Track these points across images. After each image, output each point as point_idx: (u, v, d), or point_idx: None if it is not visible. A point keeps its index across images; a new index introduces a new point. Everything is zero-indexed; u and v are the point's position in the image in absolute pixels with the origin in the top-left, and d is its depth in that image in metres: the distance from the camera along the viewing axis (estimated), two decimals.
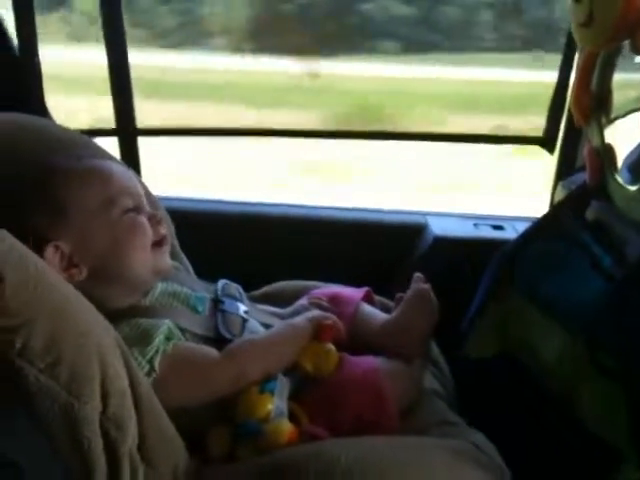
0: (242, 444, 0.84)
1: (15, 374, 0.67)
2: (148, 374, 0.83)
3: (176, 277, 1.05)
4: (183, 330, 0.91)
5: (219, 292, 1.03)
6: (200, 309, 0.97)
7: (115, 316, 0.84)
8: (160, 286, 0.98)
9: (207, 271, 1.21)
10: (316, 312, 1.02)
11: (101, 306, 0.80)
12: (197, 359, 0.89)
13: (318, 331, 0.97)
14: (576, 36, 1.02)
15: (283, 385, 0.88)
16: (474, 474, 0.83)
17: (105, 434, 0.72)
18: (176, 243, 1.24)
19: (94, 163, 0.97)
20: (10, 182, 0.94)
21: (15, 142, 1.04)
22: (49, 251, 0.88)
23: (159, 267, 0.97)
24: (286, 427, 0.83)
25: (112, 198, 0.93)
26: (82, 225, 0.90)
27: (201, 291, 1.02)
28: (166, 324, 0.88)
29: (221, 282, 1.07)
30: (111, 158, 1.14)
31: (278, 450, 0.81)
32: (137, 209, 0.95)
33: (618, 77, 1.07)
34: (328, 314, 1.01)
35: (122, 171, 0.99)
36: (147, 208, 0.98)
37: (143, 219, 0.95)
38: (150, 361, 0.83)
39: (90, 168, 0.95)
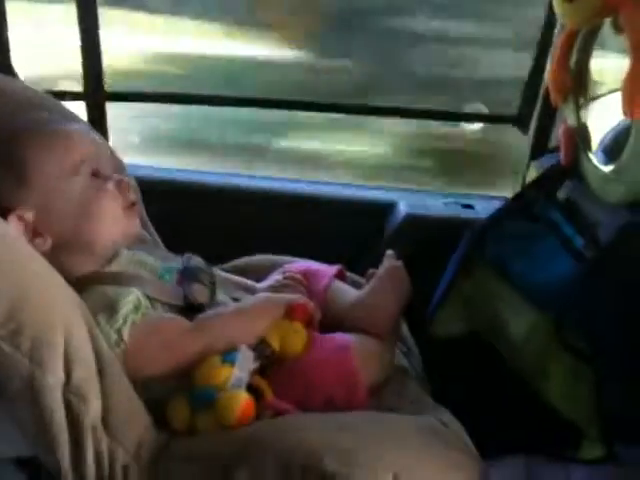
0: (200, 414, 0.83)
1: None
2: (117, 344, 0.81)
3: (143, 247, 1.03)
4: (151, 299, 0.90)
5: (186, 264, 1.02)
6: (167, 278, 0.96)
7: (80, 283, 0.83)
8: (125, 253, 0.96)
9: (175, 243, 1.19)
10: (293, 295, 1.01)
11: (66, 273, 0.79)
12: (167, 329, 0.88)
13: (290, 310, 0.95)
14: (558, 11, 1.01)
15: (245, 357, 0.86)
16: (441, 450, 0.83)
17: (68, 405, 0.71)
18: (143, 211, 1.21)
19: (59, 127, 0.95)
20: None
21: None
22: (12, 221, 0.85)
23: (129, 232, 0.96)
24: (242, 397, 0.82)
25: (77, 164, 0.90)
26: (46, 193, 0.88)
27: (168, 262, 1.01)
28: (134, 292, 0.86)
29: (187, 255, 1.05)
30: (78, 121, 1.12)
31: (241, 424, 0.80)
32: (104, 175, 0.93)
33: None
34: (302, 296, 1.00)
35: (87, 135, 0.97)
36: (114, 174, 0.96)
37: (110, 185, 0.93)
38: (118, 331, 0.82)
39: (55, 132, 0.93)
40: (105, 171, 0.94)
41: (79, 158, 0.90)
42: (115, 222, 0.92)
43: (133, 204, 0.96)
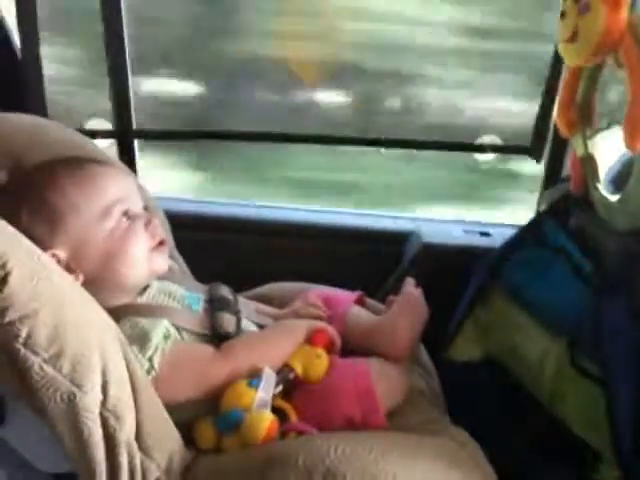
0: (226, 435, 0.86)
1: (20, 364, 0.70)
2: (148, 372, 0.85)
3: (172, 277, 1.06)
4: (179, 329, 0.93)
5: (213, 293, 1.05)
6: (195, 307, 0.99)
7: (112, 314, 0.86)
8: (156, 285, 1.00)
9: (201, 272, 1.23)
10: (314, 321, 1.04)
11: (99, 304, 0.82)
12: (195, 357, 0.91)
13: (312, 336, 0.98)
14: (562, 51, 1.05)
15: (269, 379, 0.89)
16: (458, 471, 0.85)
17: (104, 423, 0.75)
18: (172, 243, 1.25)
19: (92, 169, 0.97)
20: (8, 186, 0.96)
21: (14, 143, 1.05)
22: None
23: (156, 269, 0.98)
24: (267, 417, 0.85)
25: (107, 207, 0.93)
26: (79, 234, 0.91)
27: (196, 291, 1.04)
28: (163, 323, 0.90)
29: (213, 284, 1.09)
30: (108, 160, 1.15)
31: (266, 444, 0.83)
32: (133, 214, 0.96)
33: None
34: (324, 322, 1.03)
35: (120, 176, 1.00)
36: (143, 212, 0.99)
37: (139, 226, 0.95)
38: (150, 359, 0.86)
39: (85, 173, 0.95)
40: (135, 209, 0.97)
41: (111, 200, 0.94)
42: (143, 262, 0.95)
43: (161, 243, 0.99)
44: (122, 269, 0.93)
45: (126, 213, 0.95)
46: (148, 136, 1.66)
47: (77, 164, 0.97)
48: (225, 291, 1.08)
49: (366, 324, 1.08)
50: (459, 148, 1.70)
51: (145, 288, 0.99)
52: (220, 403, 0.88)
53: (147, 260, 0.96)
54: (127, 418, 0.76)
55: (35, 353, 0.70)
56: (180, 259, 1.27)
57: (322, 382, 0.95)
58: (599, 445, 1.00)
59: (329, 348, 0.99)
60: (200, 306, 1.00)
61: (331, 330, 1.01)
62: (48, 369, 0.71)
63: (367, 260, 1.63)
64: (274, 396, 0.90)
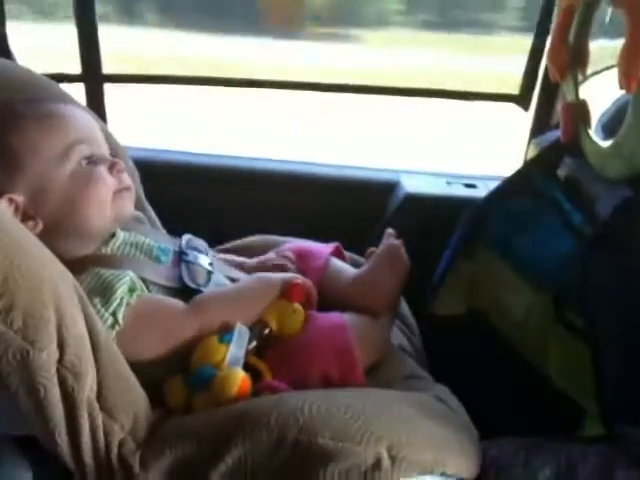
0: (197, 394, 0.83)
1: None
2: (112, 326, 0.82)
3: (140, 229, 1.03)
4: (146, 281, 0.89)
5: (183, 245, 1.01)
6: (163, 259, 0.95)
7: (75, 266, 0.82)
8: (122, 235, 0.96)
9: (174, 225, 1.19)
10: (289, 273, 1.01)
11: (59, 256, 0.77)
12: (162, 311, 0.88)
13: (287, 290, 0.95)
14: None
15: (242, 335, 0.86)
16: (436, 426, 0.83)
17: (62, 382, 0.71)
18: (141, 193, 1.22)
19: (51, 108, 0.93)
20: None
21: None
22: (2, 204, 0.85)
23: (120, 215, 0.94)
24: (239, 374, 0.82)
25: (68, 148, 0.89)
26: (37, 177, 0.87)
27: (165, 243, 1.00)
28: (128, 275, 0.86)
29: (185, 236, 1.05)
30: (73, 103, 1.10)
31: (237, 402, 0.80)
32: (96, 158, 0.92)
33: None
34: (299, 275, 1.00)
35: (82, 117, 0.95)
36: (108, 156, 0.95)
37: (101, 170, 0.91)
38: (113, 313, 0.82)
39: (47, 114, 0.91)
40: (98, 153, 0.93)
41: (70, 141, 0.89)
42: (105, 207, 0.91)
43: (126, 188, 0.94)
44: (83, 212, 0.89)
45: (89, 157, 0.91)
46: (117, 80, 1.60)
47: (37, 103, 0.93)
48: (196, 243, 1.04)
49: (345, 277, 1.06)
50: (445, 95, 1.65)
51: (110, 238, 0.95)
52: (190, 360, 0.85)
53: (109, 204, 0.91)
54: (87, 377, 0.72)
55: None
56: (150, 211, 1.23)
57: (297, 338, 0.92)
58: (584, 400, 0.98)
59: (305, 302, 0.96)
60: (169, 257, 0.97)
61: (307, 283, 0.98)
62: None
63: (350, 212, 1.62)
64: (247, 353, 0.87)
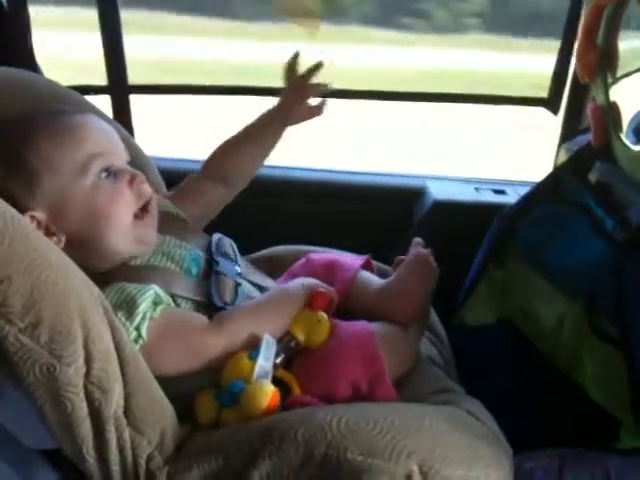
0: (226, 409, 0.83)
1: None
2: (135, 341, 0.81)
3: (174, 229, 1.00)
4: (175, 296, 0.89)
5: (213, 248, 1.00)
6: (194, 271, 0.94)
7: (100, 279, 0.81)
8: (157, 241, 0.95)
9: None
10: (310, 280, 0.99)
11: (85, 269, 0.77)
12: (185, 327, 0.86)
13: (311, 299, 0.94)
14: None
15: (269, 346, 0.85)
16: (468, 441, 0.81)
17: (89, 397, 0.71)
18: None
19: (70, 121, 0.91)
20: None
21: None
22: (25, 221, 0.82)
23: (142, 240, 0.92)
24: (268, 389, 0.81)
25: (86, 161, 0.87)
26: (56, 193, 0.85)
27: (196, 246, 0.99)
28: (152, 289, 0.85)
29: (215, 236, 1.04)
30: (97, 113, 1.08)
31: (264, 417, 0.79)
32: (116, 170, 0.90)
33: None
34: (320, 282, 0.98)
35: (101, 128, 0.93)
36: (128, 167, 0.92)
37: (122, 184, 0.89)
38: (137, 327, 0.81)
39: (65, 127, 0.89)
40: (118, 164, 0.91)
41: (88, 154, 0.87)
42: (127, 228, 0.89)
43: (146, 205, 0.92)
44: (104, 231, 0.87)
45: (107, 169, 0.89)
46: (143, 91, 1.61)
47: (54, 116, 0.91)
48: (227, 247, 1.04)
49: (373, 288, 1.04)
50: (475, 100, 1.64)
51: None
52: (221, 377, 0.84)
53: (132, 228, 0.89)
54: (114, 391, 0.72)
55: (10, 322, 0.65)
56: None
57: (324, 348, 0.91)
58: (619, 412, 0.97)
59: (328, 309, 0.95)
60: (200, 269, 0.95)
61: (329, 290, 0.97)
62: (24, 339, 0.66)
63: (378, 219, 1.62)
64: (276, 365, 0.86)
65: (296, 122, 1.11)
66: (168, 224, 1.00)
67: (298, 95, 1.09)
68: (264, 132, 1.11)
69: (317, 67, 1.08)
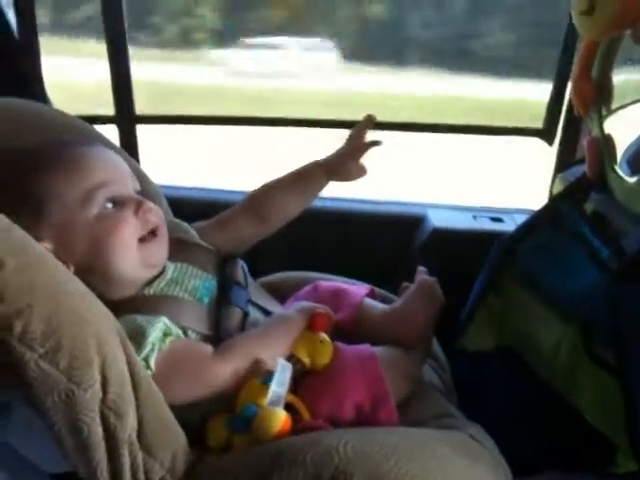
0: (238, 433, 0.84)
1: (15, 360, 0.67)
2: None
3: (187, 253, 1.01)
4: (185, 328, 0.90)
5: (225, 276, 1.01)
6: (206, 300, 0.95)
7: (114, 308, 0.82)
8: (170, 273, 0.96)
9: None
10: (306, 303, 1.01)
11: (100, 298, 0.79)
12: (191, 358, 0.87)
13: (311, 321, 0.95)
14: (577, 24, 1.01)
15: (283, 371, 0.86)
16: (472, 466, 0.83)
17: (104, 421, 0.72)
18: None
19: (76, 152, 0.91)
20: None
21: (8, 128, 1.02)
22: None
23: (149, 262, 0.93)
24: (280, 416, 0.82)
25: (91, 191, 0.87)
26: (62, 223, 0.86)
27: (209, 273, 1.00)
28: (162, 321, 0.86)
29: (229, 261, 1.05)
30: (105, 143, 1.11)
31: (274, 441, 0.81)
32: (121, 199, 0.90)
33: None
34: (319, 305, 1.00)
35: (107, 157, 0.94)
36: (134, 195, 0.93)
37: (127, 212, 0.90)
38: (146, 359, 0.82)
39: (70, 158, 0.90)
40: (124, 193, 0.91)
41: (93, 185, 0.88)
42: (129, 253, 0.89)
43: (153, 231, 0.93)
44: (110, 260, 0.88)
45: (112, 198, 0.90)
46: (149, 121, 1.63)
47: (60, 147, 0.92)
48: (238, 272, 1.04)
49: (380, 312, 1.06)
50: (470, 130, 1.67)
51: (158, 275, 0.94)
52: (235, 402, 0.86)
53: (138, 251, 0.90)
54: (128, 415, 0.74)
55: (31, 349, 0.67)
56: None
57: (328, 371, 0.92)
58: (616, 437, 0.97)
59: (328, 329, 0.96)
60: (211, 297, 0.96)
61: (329, 312, 0.98)
62: (44, 365, 0.68)
63: (378, 246, 1.63)
64: (287, 388, 0.86)
65: (343, 179, 1.12)
66: (187, 252, 1.01)
67: (354, 153, 1.10)
68: (308, 181, 1.12)
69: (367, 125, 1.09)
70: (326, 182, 1.12)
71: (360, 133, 1.11)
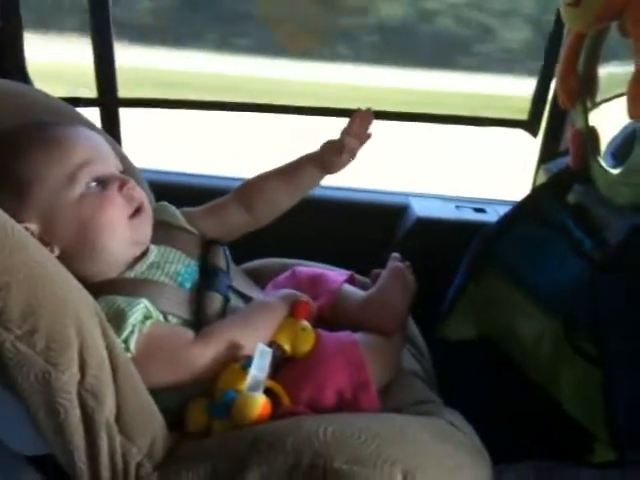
0: (217, 418, 0.83)
1: None
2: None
3: (170, 237, 1.00)
4: (165, 312, 0.89)
5: (207, 262, 1.00)
6: (187, 285, 0.95)
7: (94, 290, 0.82)
8: (152, 256, 0.95)
9: None
10: (289, 290, 1.01)
11: (80, 280, 0.78)
12: (170, 341, 0.86)
13: (293, 309, 0.95)
14: (564, 15, 1.02)
15: (263, 356, 0.85)
16: (450, 451, 0.83)
17: (82, 404, 0.72)
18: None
19: (58, 132, 0.91)
20: None
21: None
22: None
23: (138, 239, 0.93)
24: (259, 400, 0.82)
25: (74, 172, 0.87)
26: (47, 204, 0.85)
27: (192, 257, 0.99)
28: (142, 302, 0.86)
29: (212, 246, 1.04)
30: (87, 125, 1.09)
31: (253, 425, 0.80)
32: (105, 178, 0.90)
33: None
34: (300, 293, 0.99)
35: (90, 137, 0.93)
36: (118, 174, 0.92)
37: (111, 192, 0.89)
38: (125, 341, 0.81)
39: (52, 138, 0.89)
40: (107, 172, 0.90)
41: (76, 164, 0.87)
42: (118, 231, 0.89)
43: (139, 208, 0.92)
44: (98, 239, 0.88)
45: (96, 178, 0.89)
46: (132, 104, 1.62)
47: (42, 128, 0.91)
48: (220, 257, 1.03)
49: (355, 300, 1.06)
50: (454, 121, 1.67)
51: (139, 258, 0.94)
52: (214, 387, 0.85)
53: (127, 229, 0.90)
54: (106, 398, 0.73)
55: (7, 329, 0.67)
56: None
57: (309, 357, 0.92)
58: (594, 427, 0.99)
59: (309, 318, 0.96)
60: (193, 281, 0.96)
61: (310, 300, 0.98)
62: (21, 346, 0.67)
63: (361, 235, 1.63)
64: (267, 373, 0.86)
65: (338, 170, 1.10)
66: (171, 235, 1.00)
67: (340, 148, 1.08)
68: (299, 176, 1.10)
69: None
70: (320, 175, 1.11)
71: (352, 129, 1.09)
